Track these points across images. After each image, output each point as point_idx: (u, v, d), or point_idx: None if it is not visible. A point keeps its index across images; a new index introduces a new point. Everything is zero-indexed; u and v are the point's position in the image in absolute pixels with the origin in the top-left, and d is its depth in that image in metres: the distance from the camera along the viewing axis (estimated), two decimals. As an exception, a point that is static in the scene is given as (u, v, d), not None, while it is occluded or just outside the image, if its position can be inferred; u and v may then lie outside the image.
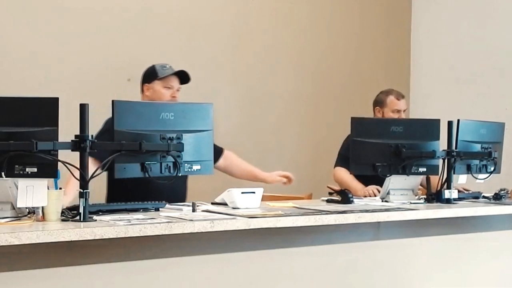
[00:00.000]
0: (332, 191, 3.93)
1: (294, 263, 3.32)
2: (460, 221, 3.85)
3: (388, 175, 3.93)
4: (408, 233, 3.72)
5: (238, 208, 3.37)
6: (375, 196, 4.25)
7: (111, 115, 3.00)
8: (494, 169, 4.18)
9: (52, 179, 2.92)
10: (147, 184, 3.17)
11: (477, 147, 4.12)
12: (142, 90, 3.99)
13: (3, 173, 2.72)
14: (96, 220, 2.84)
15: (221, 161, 4.09)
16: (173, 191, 3.73)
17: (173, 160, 3.08)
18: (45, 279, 2.70)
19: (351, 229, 3.46)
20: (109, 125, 3.17)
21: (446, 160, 4.00)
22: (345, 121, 4.02)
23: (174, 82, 3.96)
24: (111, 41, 5.03)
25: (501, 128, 4.35)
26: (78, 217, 2.84)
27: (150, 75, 3.97)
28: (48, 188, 2.83)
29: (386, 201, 3.95)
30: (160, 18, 5.26)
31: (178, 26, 5.34)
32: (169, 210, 3.27)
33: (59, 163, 2.80)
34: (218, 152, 4.07)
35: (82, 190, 2.84)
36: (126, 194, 3.47)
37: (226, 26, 5.57)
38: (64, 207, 2.94)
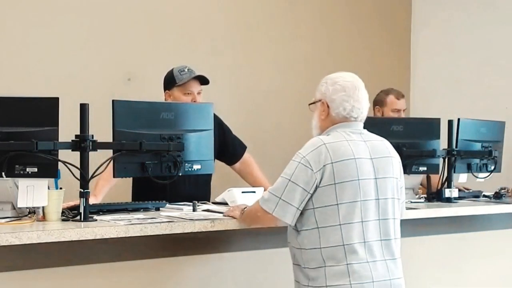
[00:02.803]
0: (332, 191, 3.92)
1: (295, 262, 3.32)
2: (460, 220, 3.85)
3: (388, 174, 3.92)
4: (408, 232, 3.70)
5: (239, 208, 3.37)
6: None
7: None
8: (495, 168, 4.18)
9: (53, 179, 2.93)
10: (170, 183, 3.17)
11: (478, 146, 4.12)
12: (165, 96, 3.92)
13: (3, 173, 2.72)
14: (96, 220, 2.85)
15: (238, 164, 4.09)
16: (196, 190, 3.74)
17: (174, 160, 3.08)
18: (45, 279, 2.70)
19: (351, 228, 3.45)
20: None
21: (446, 159, 4.00)
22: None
23: (194, 86, 3.86)
24: (111, 41, 5.02)
25: (502, 127, 4.34)
26: (78, 217, 2.84)
27: (169, 82, 3.88)
28: (48, 188, 2.83)
29: (386, 200, 3.94)
30: (160, 17, 5.25)
31: (178, 25, 5.34)
32: (169, 210, 3.27)
33: (59, 163, 2.80)
34: (241, 148, 4.09)
35: (82, 190, 2.84)
36: (150, 194, 3.51)
37: (226, 25, 5.57)
38: None
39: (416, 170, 3.93)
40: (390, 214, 2.69)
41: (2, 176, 2.73)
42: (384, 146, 2.78)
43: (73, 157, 2.85)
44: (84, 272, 2.78)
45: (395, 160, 2.78)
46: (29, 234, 2.51)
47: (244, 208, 2.92)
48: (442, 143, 4.01)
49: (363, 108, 2.79)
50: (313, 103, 2.82)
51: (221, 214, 3.06)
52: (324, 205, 2.60)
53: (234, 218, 2.95)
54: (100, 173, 2.91)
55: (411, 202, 3.90)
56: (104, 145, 2.97)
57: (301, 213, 2.64)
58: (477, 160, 4.13)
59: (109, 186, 3.57)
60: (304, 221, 2.64)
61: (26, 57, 4.71)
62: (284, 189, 2.62)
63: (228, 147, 4.01)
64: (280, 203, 2.63)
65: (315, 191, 2.60)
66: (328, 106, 2.75)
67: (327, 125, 2.76)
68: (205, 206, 3.40)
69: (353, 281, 2.57)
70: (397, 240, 2.72)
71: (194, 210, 3.23)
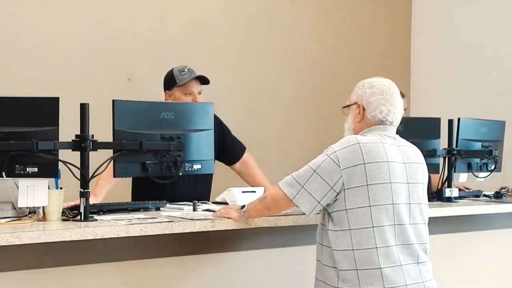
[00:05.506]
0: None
1: (295, 262, 3.32)
2: (460, 220, 3.85)
3: (388, 174, 3.92)
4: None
5: (239, 208, 3.36)
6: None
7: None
8: (495, 168, 4.18)
9: (53, 179, 2.93)
10: (170, 183, 3.18)
11: (478, 146, 4.12)
12: (165, 96, 3.89)
13: (4, 173, 2.72)
14: (97, 220, 2.84)
15: (237, 164, 4.09)
16: (196, 190, 3.75)
17: (174, 160, 3.07)
18: (45, 279, 2.70)
19: (351, 228, 3.45)
20: None
21: (446, 159, 4.00)
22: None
23: (194, 87, 3.84)
24: (111, 41, 5.03)
25: (502, 127, 4.34)
26: (78, 217, 2.84)
27: (170, 82, 3.86)
28: (48, 188, 2.83)
29: (386, 200, 3.94)
30: (160, 17, 5.26)
31: (179, 25, 5.34)
32: (170, 210, 3.27)
33: (60, 163, 2.80)
34: (241, 148, 4.09)
35: (82, 190, 2.84)
36: (150, 193, 3.51)
37: (227, 25, 5.57)
38: None
39: (416, 169, 3.92)
40: (420, 218, 2.72)
41: (2, 176, 2.73)
42: (414, 153, 2.80)
43: (73, 157, 2.85)
44: (84, 272, 2.78)
45: (424, 166, 2.81)
46: (29, 234, 2.51)
47: (242, 208, 2.91)
48: (442, 143, 4.01)
49: (398, 113, 2.78)
50: (348, 106, 2.85)
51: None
52: (356, 207, 2.60)
53: (230, 218, 2.94)
54: (100, 173, 2.91)
55: (411, 201, 3.90)
56: (104, 145, 2.97)
57: (334, 214, 2.65)
58: (477, 160, 4.13)
59: (109, 186, 3.57)
60: (337, 222, 2.64)
61: (26, 57, 4.71)
62: (308, 179, 2.63)
63: (228, 148, 4.02)
64: (302, 191, 2.64)
65: (342, 190, 2.61)
66: (364, 109, 2.76)
67: (362, 127, 2.77)
68: (205, 206, 3.40)
69: (386, 285, 2.58)
70: (427, 244, 2.74)
71: (194, 209, 3.23)
